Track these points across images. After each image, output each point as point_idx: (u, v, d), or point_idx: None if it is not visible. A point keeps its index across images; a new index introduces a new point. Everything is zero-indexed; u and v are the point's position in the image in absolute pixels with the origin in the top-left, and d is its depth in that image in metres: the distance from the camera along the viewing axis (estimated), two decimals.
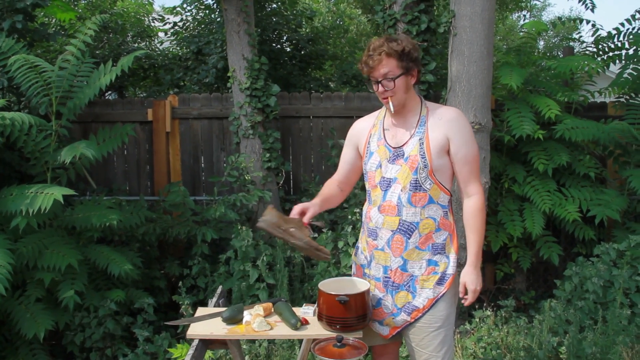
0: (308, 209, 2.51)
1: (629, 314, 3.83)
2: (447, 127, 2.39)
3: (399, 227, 2.42)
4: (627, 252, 4.11)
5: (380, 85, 2.38)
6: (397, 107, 2.42)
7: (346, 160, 2.69)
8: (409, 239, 2.41)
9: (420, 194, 2.40)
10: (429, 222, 2.41)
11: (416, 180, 2.38)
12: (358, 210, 4.43)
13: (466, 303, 2.47)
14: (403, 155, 2.41)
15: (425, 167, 2.37)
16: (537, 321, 3.95)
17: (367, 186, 2.56)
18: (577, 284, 4.16)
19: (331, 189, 2.70)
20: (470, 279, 2.44)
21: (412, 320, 2.46)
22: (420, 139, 2.39)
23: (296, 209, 2.51)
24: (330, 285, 2.43)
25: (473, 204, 2.44)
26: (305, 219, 2.48)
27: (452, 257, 2.47)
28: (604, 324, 3.80)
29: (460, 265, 4.44)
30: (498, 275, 5.00)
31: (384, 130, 2.51)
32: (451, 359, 2.55)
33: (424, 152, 2.37)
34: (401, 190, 2.40)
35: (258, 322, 2.42)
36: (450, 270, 2.46)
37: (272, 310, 2.60)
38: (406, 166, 2.40)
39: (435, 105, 2.49)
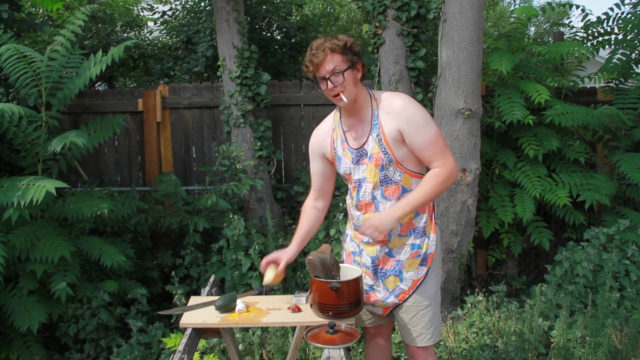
0: (280, 259, 2.56)
1: (618, 297, 3.88)
2: (396, 120, 2.38)
3: None
4: (617, 236, 4.15)
5: (329, 81, 2.36)
6: (349, 102, 2.39)
7: (317, 172, 2.67)
8: (391, 230, 2.42)
9: (393, 187, 2.44)
10: None
11: (385, 176, 2.43)
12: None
13: (359, 230, 2.47)
14: (366, 154, 2.44)
15: (390, 162, 2.41)
16: (528, 306, 3.99)
17: (348, 184, 2.61)
18: (567, 269, 4.20)
19: (309, 219, 2.68)
20: (378, 216, 2.40)
21: (400, 302, 2.53)
22: (377, 135, 2.40)
23: (267, 258, 2.58)
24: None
25: (431, 171, 2.41)
26: (280, 269, 2.56)
27: (432, 236, 2.50)
28: (593, 307, 3.84)
29: (452, 251, 4.46)
30: (489, 261, 5.04)
31: (344, 132, 2.51)
32: (439, 335, 2.62)
33: (385, 148, 2.39)
34: (373, 188, 2.45)
35: (271, 271, 2.53)
36: (431, 249, 2.49)
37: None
38: (371, 164, 2.43)
39: (382, 96, 2.46)
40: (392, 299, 2.53)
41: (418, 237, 2.47)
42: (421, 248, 2.48)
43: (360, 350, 3.82)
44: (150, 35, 8.11)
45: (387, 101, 2.42)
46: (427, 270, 2.50)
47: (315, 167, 2.66)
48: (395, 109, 2.39)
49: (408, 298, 2.51)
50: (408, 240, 2.48)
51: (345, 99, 2.37)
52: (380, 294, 2.55)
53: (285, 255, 2.59)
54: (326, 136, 2.58)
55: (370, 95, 2.46)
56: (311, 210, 2.69)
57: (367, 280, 2.56)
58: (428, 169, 2.46)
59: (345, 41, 2.37)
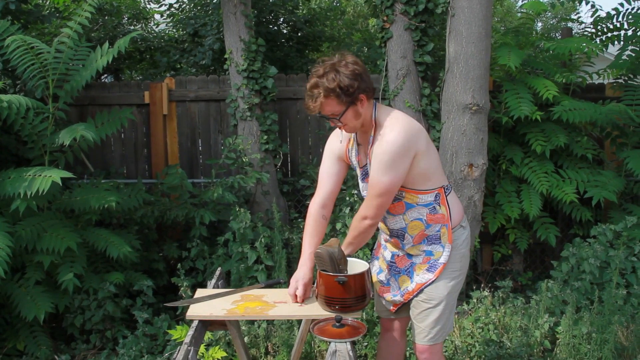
0: (307, 286, 2.52)
1: (625, 294, 3.87)
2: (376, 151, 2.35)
3: (390, 233, 2.54)
4: (624, 233, 4.13)
5: (330, 120, 2.38)
6: (352, 132, 2.48)
7: (333, 173, 2.59)
8: (403, 240, 2.51)
9: (396, 204, 2.43)
10: (415, 224, 2.46)
11: None
12: (356, 192, 4.44)
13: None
14: (368, 174, 2.46)
15: None
16: (534, 302, 3.98)
17: None
18: (573, 265, 4.19)
19: (319, 231, 2.58)
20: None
21: (405, 301, 2.57)
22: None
23: (292, 288, 2.52)
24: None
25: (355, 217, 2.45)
26: (307, 295, 2.53)
27: (447, 247, 2.48)
28: (600, 304, 3.83)
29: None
30: (495, 256, 5.03)
31: (357, 145, 2.52)
32: (444, 336, 2.60)
33: None
34: None
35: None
36: (442, 259, 2.48)
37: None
38: None
39: (383, 123, 2.36)
40: (398, 297, 2.58)
41: (431, 244, 2.48)
42: (433, 255, 2.48)
43: (366, 344, 3.82)
44: (156, 27, 8.11)
45: (384, 131, 2.34)
46: (433, 279, 2.49)
47: (332, 167, 2.59)
48: (380, 144, 2.33)
49: (413, 298, 2.53)
50: (422, 247, 2.50)
51: (347, 133, 2.49)
52: (392, 290, 2.59)
53: (302, 281, 2.51)
54: (343, 142, 2.57)
55: (373, 118, 2.39)
56: (321, 220, 2.58)
57: (386, 274, 2.63)
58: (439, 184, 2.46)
59: (338, 82, 2.25)
